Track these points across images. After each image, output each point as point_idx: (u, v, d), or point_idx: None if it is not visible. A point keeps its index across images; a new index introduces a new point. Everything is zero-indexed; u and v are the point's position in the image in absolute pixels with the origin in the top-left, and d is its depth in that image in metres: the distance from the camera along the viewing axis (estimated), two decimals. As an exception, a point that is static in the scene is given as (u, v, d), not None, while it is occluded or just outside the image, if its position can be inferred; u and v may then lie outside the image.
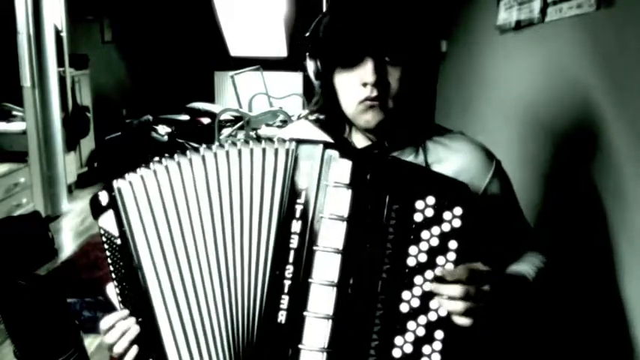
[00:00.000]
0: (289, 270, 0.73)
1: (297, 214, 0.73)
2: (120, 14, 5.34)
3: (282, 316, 0.72)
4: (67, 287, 2.54)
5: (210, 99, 5.80)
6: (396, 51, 0.80)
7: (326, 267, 0.72)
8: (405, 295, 0.72)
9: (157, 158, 0.77)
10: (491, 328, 0.78)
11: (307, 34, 0.86)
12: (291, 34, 5.48)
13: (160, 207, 0.76)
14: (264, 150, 0.74)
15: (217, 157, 0.75)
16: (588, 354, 1.17)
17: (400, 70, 0.81)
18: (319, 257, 0.72)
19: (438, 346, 0.72)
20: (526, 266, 0.89)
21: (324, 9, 4.41)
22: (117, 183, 0.78)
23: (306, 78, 5.60)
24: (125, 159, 4.25)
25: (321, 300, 0.72)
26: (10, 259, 2.55)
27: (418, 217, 0.72)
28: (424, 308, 0.72)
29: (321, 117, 0.94)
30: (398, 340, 0.72)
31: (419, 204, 0.72)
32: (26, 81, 3.43)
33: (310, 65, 0.87)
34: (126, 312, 0.79)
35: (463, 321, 0.71)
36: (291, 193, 0.73)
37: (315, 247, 0.72)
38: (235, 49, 5.73)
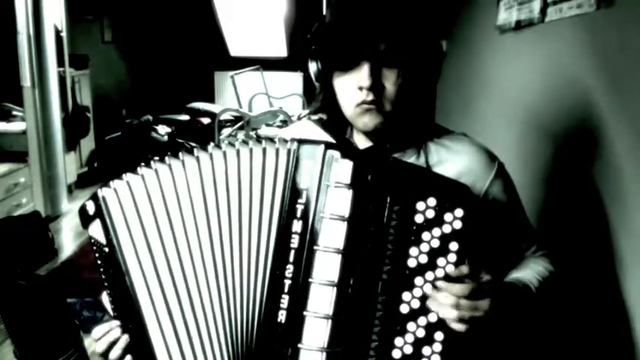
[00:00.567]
0: (289, 269, 0.73)
1: (298, 214, 0.73)
2: (120, 14, 5.34)
3: (281, 316, 0.72)
4: (67, 287, 2.54)
5: (210, 99, 5.80)
6: (393, 55, 0.79)
7: (326, 267, 0.72)
8: (405, 296, 0.72)
9: (143, 164, 0.76)
10: (489, 335, 0.78)
11: (308, 35, 0.86)
12: (291, 34, 5.47)
13: (149, 212, 0.75)
14: (264, 150, 0.74)
15: (213, 158, 0.75)
16: (589, 354, 1.17)
17: (398, 73, 0.80)
18: (320, 257, 0.72)
19: (437, 347, 0.72)
20: (529, 274, 0.88)
21: (324, 9, 4.42)
22: (101, 192, 0.77)
23: (306, 78, 5.60)
24: (125, 159, 4.25)
25: (321, 300, 0.72)
26: (10, 259, 2.55)
27: (419, 219, 0.72)
28: (424, 309, 0.72)
29: (324, 117, 0.94)
30: (398, 340, 0.72)
31: (420, 205, 0.72)
32: (26, 81, 3.43)
33: (311, 66, 0.87)
34: (118, 321, 0.79)
35: (457, 327, 0.72)
36: (292, 192, 0.73)
37: (315, 247, 0.72)
38: (235, 49, 5.73)
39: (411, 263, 0.72)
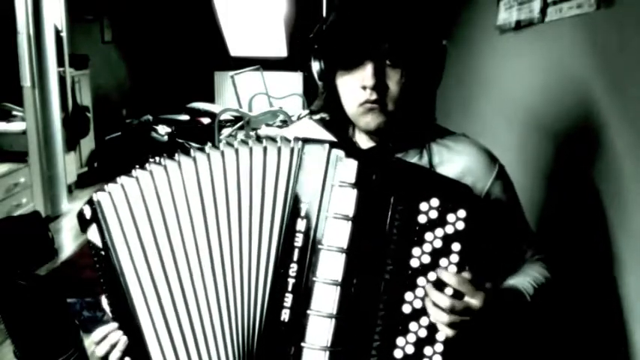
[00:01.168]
0: (293, 268, 0.73)
1: (302, 213, 0.73)
2: (120, 14, 5.33)
3: (285, 315, 0.73)
4: (67, 287, 2.54)
5: (210, 99, 5.80)
6: (397, 55, 0.79)
7: (330, 266, 0.72)
8: (408, 296, 0.73)
9: (138, 166, 0.76)
10: (481, 341, 0.78)
11: (311, 34, 0.86)
12: (291, 34, 5.47)
13: (144, 215, 0.75)
14: (265, 149, 0.74)
15: (210, 158, 0.74)
16: (589, 354, 1.18)
17: (401, 73, 0.80)
18: (323, 256, 0.72)
19: (439, 347, 0.72)
20: (525, 281, 0.87)
21: (324, 9, 4.42)
22: (96, 196, 0.77)
23: (306, 78, 5.61)
24: (125, 159, 4.25)
25: (325, 299, 0.72)
26: (10, 259, 2.54)
27: (422, 219, 0.72)
28: (426, 310, 0.72)
29: (326, 117, 0.95)
30: (400, 340, 0.73)
31: (423, 206, 0.72)
32: (26, 81, 3.43)
33: (314, 66, 0.87)
34: (116, 324, 0.79)
35: (447, 331, 0.72)
36: (297, 192, 0.73)
37: (319, 246, 0.72)
38: (235, 49, 5.73)
39: (414, 263, 0.73)
